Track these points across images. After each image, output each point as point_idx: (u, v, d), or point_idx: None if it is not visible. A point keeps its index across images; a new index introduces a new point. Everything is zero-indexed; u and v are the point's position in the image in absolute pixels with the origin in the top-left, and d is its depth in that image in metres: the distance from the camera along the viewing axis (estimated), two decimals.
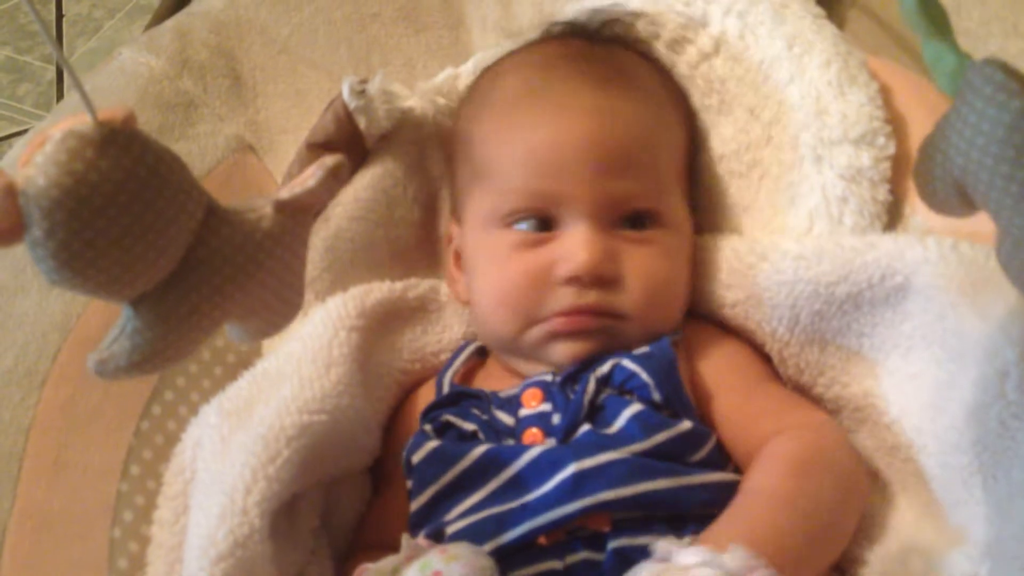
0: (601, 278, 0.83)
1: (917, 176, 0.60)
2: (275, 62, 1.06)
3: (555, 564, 0.72)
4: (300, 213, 0.59)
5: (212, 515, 0.74)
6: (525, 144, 0.86)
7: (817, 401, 0.85)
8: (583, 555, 0.72)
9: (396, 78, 1.03)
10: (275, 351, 0.88)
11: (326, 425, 0.80)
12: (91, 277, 0.50)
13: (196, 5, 1.10)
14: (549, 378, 0.83)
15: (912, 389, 0.77)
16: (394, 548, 0.83)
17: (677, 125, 0.93)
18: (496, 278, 0.86)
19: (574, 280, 0.82)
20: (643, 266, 0.84)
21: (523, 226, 0.85)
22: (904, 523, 0.78)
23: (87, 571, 0.79)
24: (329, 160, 0.58)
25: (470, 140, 0.92)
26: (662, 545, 0.63)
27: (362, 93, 0.95)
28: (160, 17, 1.08)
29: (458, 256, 0.94)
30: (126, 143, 0.50)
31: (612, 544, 0.72)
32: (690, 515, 0.74)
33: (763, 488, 0.73)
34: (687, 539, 0.66)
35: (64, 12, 2.07)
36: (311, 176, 0.58)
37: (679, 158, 0.92)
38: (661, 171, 0.89)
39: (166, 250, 0.52)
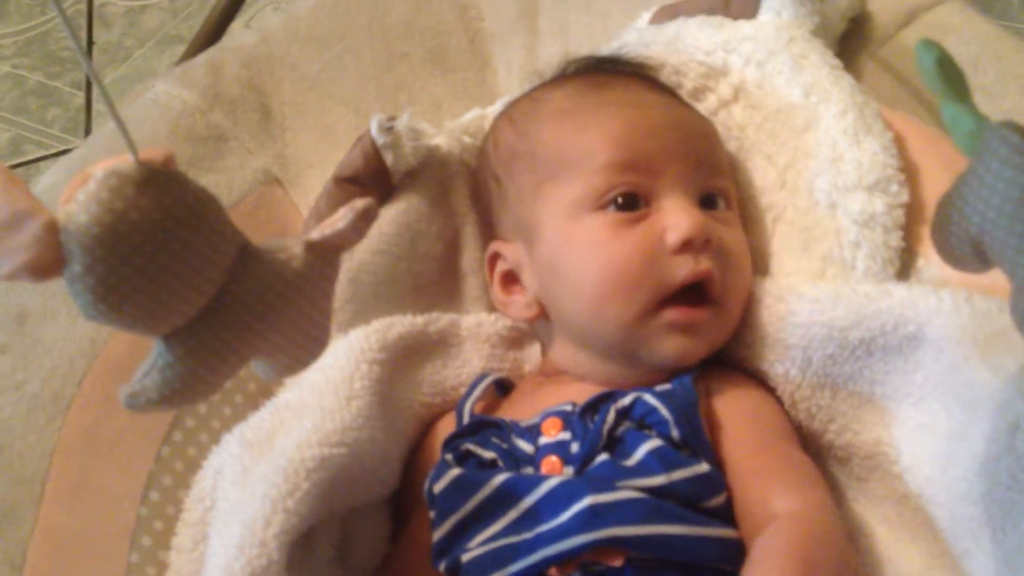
0: (709, 242, 0.84)
1: (935, 233, 0.61)
2: (304, 98, 1.08)
3: None
4: (329, 254, 0.60)
5: (231, 545, 0.75)
6: (606, 128, 0.87)
7: (828, 448, 0.86)
8: None
9: (423, 118, 1.04)
10: (297, 382, 0.88)
11: (345, 458, 0.81)
12: (127, 312, 0.52)
13: (229, 40, 1.12)
14: (569, 408, 0.83)
15: (923, 439, 0.77)
16: None
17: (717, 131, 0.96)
18: (604, 260, 0.84)
19: (687, 245, 0.83)
20: (734, 241, 0.87)
21: (616, 205, 0.85)
22: (909, 572, 0.79)
23: None
24: (360, 203, 0.60)
25: (529, 150, 0.92)
26: None
27: (390, 130, 0.97)
28: (193, 51, 1.11)
29: (508, 277, 0.94)
30: (166, 183, 0.51)
31: None
32: (704, 567, 0.75)
33: None
34: None
35: (95, 40, 2.10)
36: (341, 218, 0.59)
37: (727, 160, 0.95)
38: (724, 161, 0.92)
39: (200, 287, 0.54)
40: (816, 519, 0.77)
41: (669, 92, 0.96)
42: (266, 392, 0.91)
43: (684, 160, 0.87)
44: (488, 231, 1.00)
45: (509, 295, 0.94)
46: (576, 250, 0.86)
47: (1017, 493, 0.67)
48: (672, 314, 0.84)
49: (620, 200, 0.85)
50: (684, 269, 0.83)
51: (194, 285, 0.53)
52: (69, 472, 0.83)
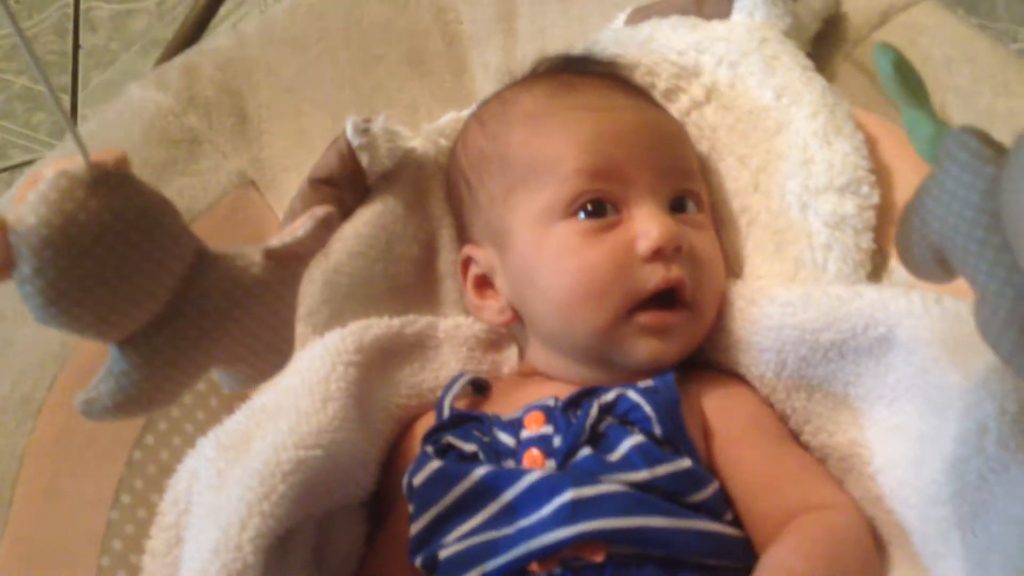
0: (679, 250, 0.84)
1: (898, 242, 0.61)
2: (280, 101, 1.08)
3: None
4: (290, 261, 0.60)
5: (206, 549, 0.74)
6: (573, 134, 0.87)
7: (803, 449, 0.85)
8: None
9: (399, 121, 1.04)
10: (272, 385, 0.88)
11: (321, 460, 0.81)
12: (77, 316, 0.51)
13: (205, 43, 1.12)
14: (552, 402, 0.83)
15: (896, 441, 0.77)
16: None
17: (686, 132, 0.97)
18: (576, 267, 0.85)
19: (658, 253, 0.83)
20: (705, 247, 0.88)
21: (586, 212, 0.85)
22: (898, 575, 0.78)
23: None
24: (320, 211, 0.60)
25: (501, 154, 0.92)
26: None
27: (366, 131, 0.97)
28: (170, 54, 1.11)
29: (481, 281, 0.94)
30: (117, 185, 0.51)
31: None
32: (686, 561, 0.75)
33: (796, 568, 0.73)
34: None
35: (81, 43, 2.10)
36: (301, 226, 0.59)
37: (696, 161, 0.95)
38: (694, 163, 0.92)
39: (153, 292, 0.53)
40: (844, 515, 0.79)
41: (639, 93, 0.96)
42: (241, 396, 0.90)
43: (654, 166, 0.87)
44: (461, 233, 1.00)
45: (483, 299, 0.94)
46: (547, 257, 0.86)
47: (986, 494, 0.67)
48: (644, 318, 0.84)
49: (589, 207, 0.86)
50: (655, 277, 0.83)
51: (147, 290, 0.53)
52: (39, 476, 0.83)
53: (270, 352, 0.60)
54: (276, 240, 0.58)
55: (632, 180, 0.86)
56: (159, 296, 0.54)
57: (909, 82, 0.58)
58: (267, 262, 0.57)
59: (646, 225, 0.84)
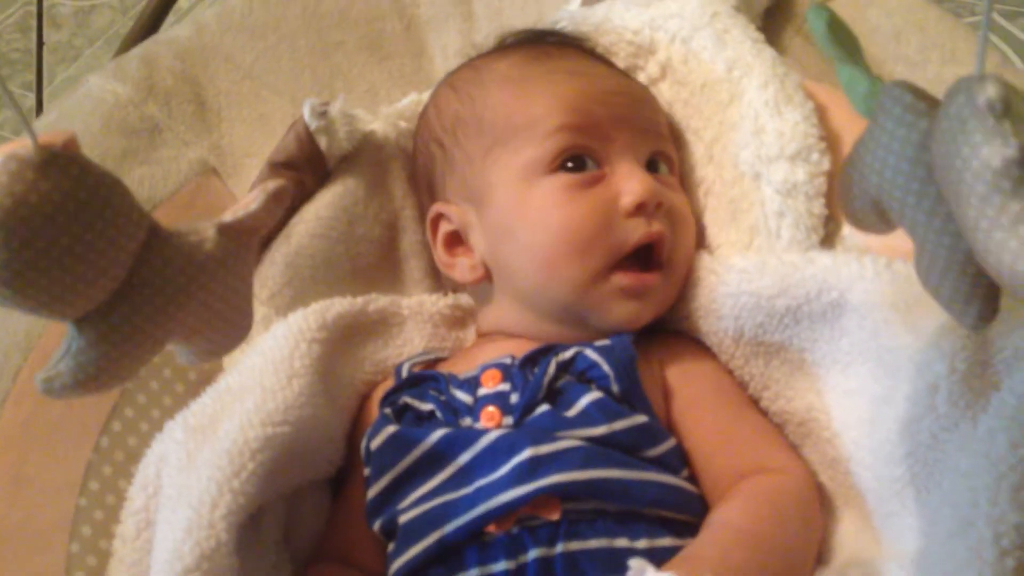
0: (660, 206, 0.86)
1: (841, 196, 0.62)
2: (239, 88, 1.08)
3: (508, 565, 0.73)
4: (243, 236, 0.60)
5: (178, 529, 0.75)
6: (552, 93, 0.89)
7: (763, 415, 0.87)
8: (534, 554, 0.73)
9: (359, 105, 1.05)
10: (237, 366, 0.89)
11: (289, 436, 0.81)
12: (32, 296, 0.52)
13: (163, 34, 1.12)
14: (508, 360, 0.84)
15: (851, 404, 0.79)
16: (352, 551, 0.85)
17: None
18: (560, 221, 0.85)
19: (641, 207, 0.85)
20: (680, 205, 0.90)
21: (568, 168, 0.87)
22: (846, 537, 0.80)
23: None
24: (271, 184, 0.60)
25: (477, 115, 0.92)
26: (636, 562, 0.63)
27: (323, 114, 0.97)
28: (128, 45, 1.11)
29: (452, 238, 0.94)
30: (66, 165, 0.52)
31: (562, 546, 0.73)
32: (640, 513, 0.76)
33: (741, 526, 0.75)
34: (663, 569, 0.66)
35: (44, 40, 2.09)
36: (253, 200, 0.60)
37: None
38: (666, 128, 0.94)
39: (107, 270, 0.54)
40: (792, 479, 0.80)
41: (609, 63, 0.98)
42: (207, 380, 0.90)
43: (632, 126, 0.89)
44: (427, 201, 1.00)
45: (453, 257, 0.95)
46: (530, 212, 0.87)
47: (938, 452, 0.69)
48: (623, 279, 0.85)
49: (571, 164, 0.87)
50: (638, 231, 0.85)
51: (100, 268, 0.54)
52: (5, 464, 0.83)
53: (227, 325, 0.61)
54: (229, 215, 0.59)
55: (612, 138, 0.88)
56: (113, 274, 0.54)
57: (843, 40, 0.59)
58: (220, 237, 0.58)
59: (629, 181, 0.86)
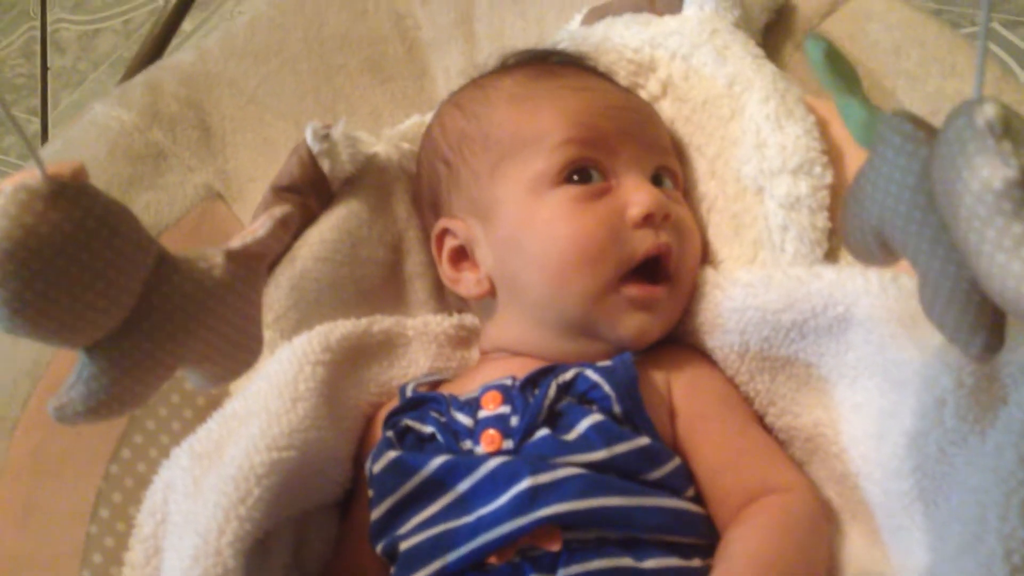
0: (667, 217, 0.87)
1: (842, 228, 0.62)
2: (243, 113, 1.09)
3: None
4: (251, 261, 0.61)
5: (186, 556, 0.75)
6: (563, 107, 0.90)
7: (769, 431, 0.87)
8: None
9: (362, 127, 1.06)
10: (243, 391, 0.89)
11: (295, 460, 0.81)
12: (43, 325, 0.52)
13: (166, 60, 1.13)
14: (509, 382, 0.84)
15: (858, 418, 0.79)
16: (362, 570, 0.85)
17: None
18: (570, 233, 0.85)
19: (648, 219, 0.85)
20: (686, 217, 0.91)
21: (575, 180, 0.87)
22: (854, 553, 0.79)
23: None
24: (277, 210, 0.61)
25: (483, 132, 0.93)
26: None
27: (326, 137, 0.98)
28: (132, 71, 1.12)
29: (457, 254, 0.95)
30: (75, 196, 0.52)
31: (563, 571, 0.73)
32: (644, 539, 0.76)
33: (764, 557, 0.74)
34: None
35: (49, 65, 2.10)
36: (260, 226, 0.60)
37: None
38: (668, 140, 0.95)
39: (117, 299, 0.54)
40: (801, 499, 0.80)
41: (611, 80, 0.99)
42: (215, 404, 0.91)
43: (637, 140, 0.90)
44: (431, 218, 1.00)
45: (459, 272, 0.95)
46: (539, 225, 0.87)
47: (947, 466, 0.69)
48: (632, 290, 0.85)
49: (578, 176, 0.88)
50: (646, 242, 0.85)
51: (110, 296, 0.54)
52: (16, 494, 0.83)
53: (237, 350, 0.61)
54: (236, 241, 0.59)
55: (618, 151, 0.89)
56: (123, 302, 0.55)
57: (841, 70, 0.59)
58: (228, 263, 0.59)
59: (637, 193, 0.87)
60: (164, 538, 0.82)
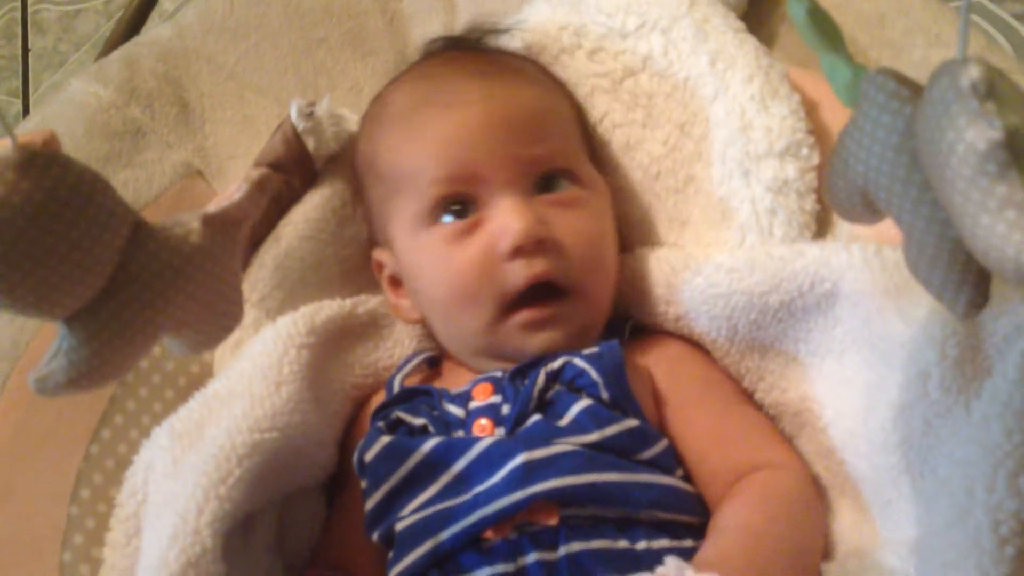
0: (541, 243, 0.84)
1: (827, 188, 0.62)
2: (223, 89, 1.07)
3: (507, 567, 0.73)
4: (229, 227, 0.60)
5: (164, 536, 0.75)
6: (426, 141, 0.88)
7: (758, 407, 0.87)
8: (534, 556, 0.73)
9: (343, 102, 1.05)
10: (226, 372, 0.89)
11: (278, 442, 0.81)
12: (19, 297, 0.52)
13: (144, 35, 1.11)
14: (499, 374, 0.84)
15: (845, 392, 0.79)
16: (351, 559, 0.85)
17: (563, 99, 0.96)
18: (444, 275, 0.86)
19: (518, 251, 0.83)
20: (574, 227, 0.86)
21: (448, 218, 0.86)
22: (844, 529, 0.80)
23: None
24: (254, 173, 0.60)
25: (374, 160, 0.93)
26: (673, 561, 0.63)
27: (310, 115, 0.97)
28: (110, 48, 1.10)
29: (394, 281, 0.95)
30: (46, 165, 0.51)
31: (565, 548, 0.73)
32: (639, 519, 0.76)
33: (759, 527, 0.74)
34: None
35: (30, 46, 2.08)
36: (237, 190, 0.60)
37: (574, 127, 0.94)
38: (561, 136, 0.91)
39: (93, 268, 0.54)
40: (791, 474, 0.80)
41: (501, 71, 0.94)
42: (197, 385, 0.90)
43: (510, 159, 0.86)
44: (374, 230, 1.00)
45: (397, 298, 0.95)
46: (422, 266, 0.88)
47: (932, 439, 0.69)
48: (522, 316, 0.85)
49: (451, 213, 0.86)
50: (519, 276, 0.84)
51: (86, 266, 0.53)
52: None
53: (217, 316, 0.61)
54: (213, 206, 0.59)
55: (487, 178, 0.86)
56: (99, 271, 0.54)
57: (825, 29, 0.58)
58: (205, 229, 0.58)
59: (503, 222, 0.84)
60: (144, 518, 0.81)
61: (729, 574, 0.65)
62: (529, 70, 0.96)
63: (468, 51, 0.98)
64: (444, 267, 0.86)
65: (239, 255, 0.61)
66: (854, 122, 0.56)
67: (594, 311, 0.88)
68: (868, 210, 0.59)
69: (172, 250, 0.57)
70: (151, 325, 0.57)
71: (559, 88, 0.97)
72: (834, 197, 0.61)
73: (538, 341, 0.85)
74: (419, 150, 0.88)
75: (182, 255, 0.57)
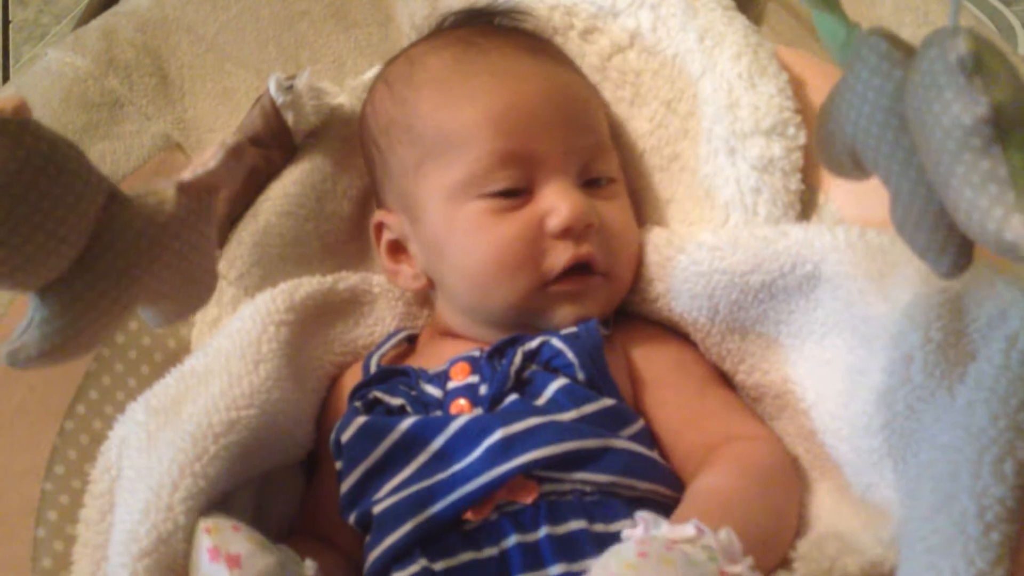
0: (590, 227, 0.85)
1: (816, 141, 0.62)
2: (202, 60, 1.06)
3: (490, 551, 0.73)
4: (203, 194, 0.60)
5: (136, 511, 0.74)
6: (486, 109, 0.87)
7: (740, 389, 0.87)
8: (515, 539, 0.73)
9: (325, 76, 1.04)
10: (203, 348, 0.88)
11: (256, 420, 0.80)
12: None
13: (123, 5, 1.09)
14: (477, 353, 0.84)
15: (826, 375, 0.78)
16: (328, 538, 0.84)
17: (597, 91, 0.96)
18: (488, 244, 0.85)
19: (568, 231, 0.84)
20: (614, 215, 0.88)
21: (498, 192, 0.85)
22: (823, 509, 0.80)
23: (10, 572, 0.79)
24: (229, 140, 0.60)
25: (409, 123, 0.91)
26: (648, 514, 0.63)
27: (289, 89, 0.96)
28: (88, 17, 1.08)
29: (395, 246, 0.94)
30: (17, 133, 0.50)
31: (544, 530, 0.73)
32: (617, 493, 0.76)
33: (730, 492, 0.74)
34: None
35: (10, 18, 2.05)
36: (211, 157, 0.59)
37: (605, 118, 0.94)
38: (602, 129, 0.92)
39: (67, 237, 0.53)
40: (766, 445, 0.81)
41: (547, 51, 0.94)
42: (174, 361, 0.89)
43: (565, 142, 0.87)
44: (376, 195, 0.99)
45: (396, 264, 0.94)
46: (459, 234, 0.87)
47: (915, 423, 0.68)
48: (559, 287, 0.85)
49: (499, 187, 0.86)
50: (565, 255, 0.84)
51: (60, 236, 0.52)
52: None
53: (192, 286, 0.60)
54: (188, 173, 0.59)
55: (543, 159, 0.86)
56: (73, 241, 0.53)
57: None
58: (180, 197, 0.58)
59: (556, 203, 0.84)
60: (118, 493, 0.80)
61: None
62: (566, 57, 0.96)
63: (505, 27, 0.97)
64: (488, 237, 0.85)
65: (214, 223, 0.61)
66: (845, 81, 0.56)
67: (619, 291, 0.90)
68: (855, 167, 0.59)
69: (147, 219, 0.56)
70: (126, 295, 0.57)
71: (587, 78, 0.97)
72: (823, 151, 0.61)
73: (570, 311, 0.85)
74: (475, 116, 0.87)
75: (157, 224, 0.57)
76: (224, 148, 0.58)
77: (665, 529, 0.62)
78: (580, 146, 0.88)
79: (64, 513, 0.83)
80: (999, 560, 0.58)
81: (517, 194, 0.86)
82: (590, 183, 0.88)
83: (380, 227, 0.95)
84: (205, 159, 0.58)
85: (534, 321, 0.86)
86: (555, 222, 0.84)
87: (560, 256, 0.84)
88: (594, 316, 0.85)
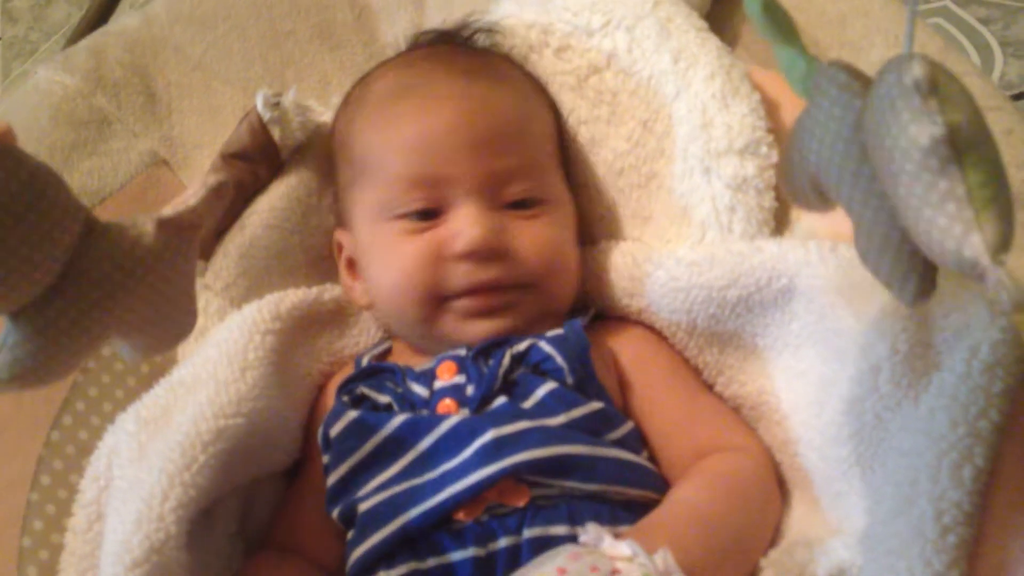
0: (495, 251, 0.85)
1: (783, 176, 0.63)
2: (189, 79, 1.07)
3: (478, 551, 0.74)
4: (183, 231, 0.60)
5: (128, 521, 0.75)
6: (400, 134, 0.88)
7: (717, 398, 0.88)
8: (504, 542, 0.74)
9: (311, 95, 1.05)
10: (191, 358, 0.89)
11: (243, 428, 0.82)
12: None
13: (112, 25, 1.11)
14: (463, 352, 0.85)
15: (800, 386, 0.80)
16: (303, 545, 0.85)
17: (543, 109, 0.96)
18: (391, 265, 0.87)
19: (470, 255, 0.85)
20: (532, 235, 0.87)
21: (408, 215, 0.87)
22: (794, 517, 0.81)
23: None
24: (211, 179, 0.60)
25: (348, 143, 0.94)
26: (593, 528, 0.65)
27: (276, 105, 0.97)
28: (77, 36, 1.10)
29: (351, 263, 0.96)
30: None
31: (528, 532, 0.74)
32: (605, 497, 0.77)
33: (698, 505, 0.76)
34: (618, 529, 0.68)
35: (1, 35, 2.06)
36: (193, 195, 0.60)
37: (550, 139, 0.94)
38: (535, 149, 0.92)
39: (42, 264, 0.54)
40: (751, 458, 0.82)
41: (487, 72, 0.94)
42: (160, 373, 0.90)
43: (479, 166, 0.87)
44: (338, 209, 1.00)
45: (353, 281, 0.96)
46: (377, 253, 0.89)
47: (882, 432, 0.70)
48: (461, 303, 0.86)
49: (412, 210, 0.87)
50: (464, 278, 0.85)
51: (35, 262, 0.53)
52: None
53: (167, 322, 0.60)
54: (169, 209, 0.59)
55: (454, 182, 0.86)
56: (48, 268, 0.54)
57: (779, 22, 0.59)
58: (159, 232, 0.58)
59: (462, 227, 0.85)
60: (107, 503, 0.81)
61: (652, 543, 0.65)
62: (515, 75, 0.96)
63: (457, 47, 0.98)
64: (395, 257, 0.87)
65: (194, 261, 0.61)
66: (807, 113, 0.58)
67: (551, 300, 0.89)
68: (820, 199, 0.60)
69: (124, 251, 0.57)
70: (98, 325, 0.57)
71: (540, 95, 0.97)
72: (789, 185, 0.62)
73: (481, 327, 0.86)
74: (388, 142, 0.89)
75: (133, 257, 0.57)
76: (206, 187, 0.59)
77: (606, 545, 0.64)
78: (498, 168, 0.87)
79: (50, 523, 0.83)
80: (955, 563, 0.60)
81: (430, 216, 0.87)
82: (516, 205, 0.88)
83: (340, 246, 0.97)
84: (186, 196, 0.59)
85: (447, 337, 0.87)
86: (458, 245, 0.85)
87: (461, 279, 0.85)
88: (520, 326, 0.86)
